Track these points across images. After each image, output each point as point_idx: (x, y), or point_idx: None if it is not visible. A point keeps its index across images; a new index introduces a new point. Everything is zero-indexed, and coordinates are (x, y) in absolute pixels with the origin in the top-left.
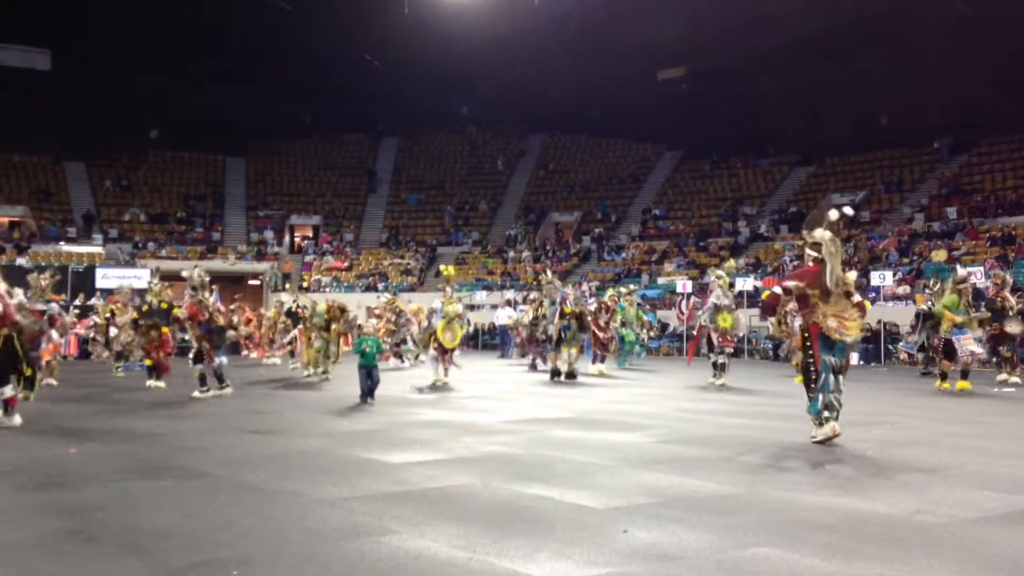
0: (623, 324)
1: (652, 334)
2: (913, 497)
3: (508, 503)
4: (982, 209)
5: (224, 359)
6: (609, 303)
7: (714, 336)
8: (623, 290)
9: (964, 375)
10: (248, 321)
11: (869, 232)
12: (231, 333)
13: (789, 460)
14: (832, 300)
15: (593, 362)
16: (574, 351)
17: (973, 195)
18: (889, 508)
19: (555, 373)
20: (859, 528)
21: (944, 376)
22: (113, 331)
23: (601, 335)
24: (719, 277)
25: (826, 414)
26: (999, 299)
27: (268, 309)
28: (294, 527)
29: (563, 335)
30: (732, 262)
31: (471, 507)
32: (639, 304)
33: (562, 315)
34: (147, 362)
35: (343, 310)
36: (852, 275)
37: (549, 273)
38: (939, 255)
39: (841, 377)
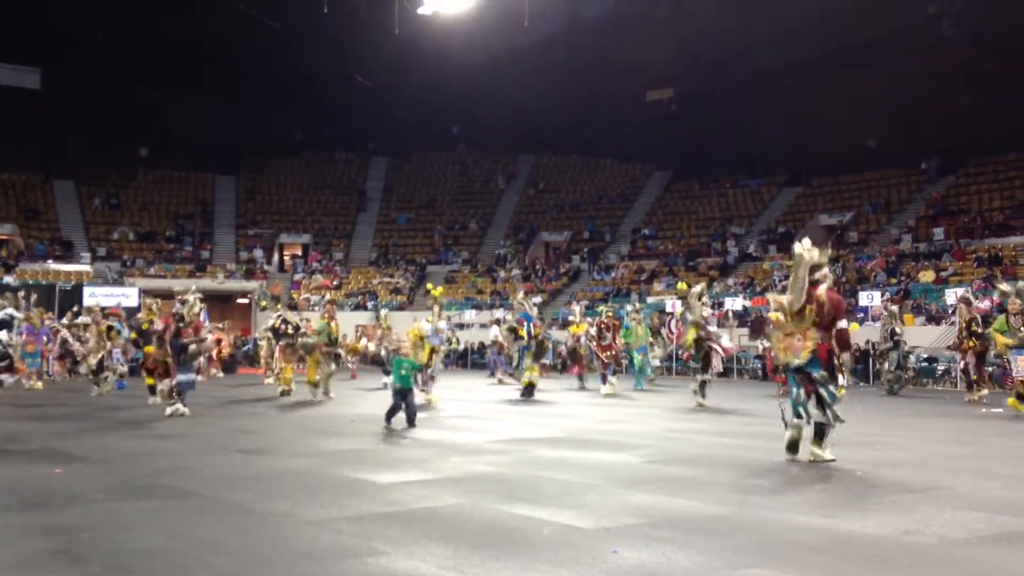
0: (627, 346)
1: (658, 352)
2: (902, 517)
3: (496, 523)
4: (969, 230)
5: (186, 378)
6: (605, 320)
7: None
8: (629, 308)
9: (1020, 397)
10: (216, 340)
11: (857, 252)
12: (192, 348)
13: (778, 480)
14: (800, 322)
15: (603, 382)
16: (535, 371)
17: (960, 216)
18: (878, 528)
19: (526, 392)
20: (848, 548)
21: (1021, 397)
22: (78, 348)
23: (604, 355)
24: (698, 296)
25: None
26: (972, 322)
27: (258, 327)
28: (282, 548)
29: (522, 356)
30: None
31: (459, 527)
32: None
33: (518, 337)
34: (148, 381)
35: (333, 302)
36: (847, 325)
37: (520, 294)
38: (927, 276)
39: (819, 398)
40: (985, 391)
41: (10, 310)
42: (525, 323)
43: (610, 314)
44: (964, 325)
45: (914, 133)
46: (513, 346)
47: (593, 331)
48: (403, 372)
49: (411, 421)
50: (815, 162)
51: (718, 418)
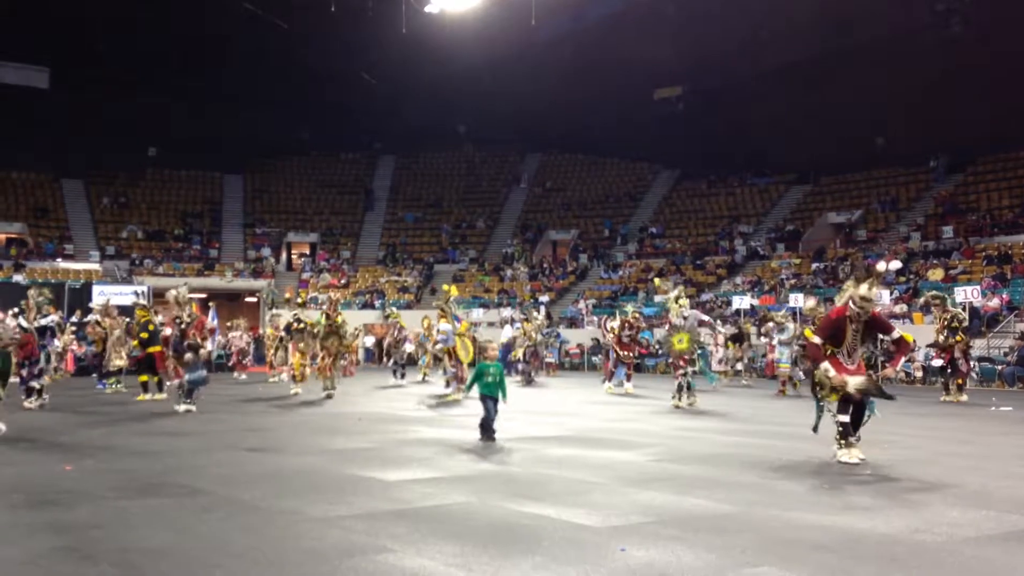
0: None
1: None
2: (911, 516)
3: (505, 521)
4: (978, 228)
5: (196, 376)
6: (632, 320)
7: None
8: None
9: None
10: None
11: (865, 251)
12: (194, 354)
13: (786, 479)
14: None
15: (627, 380)
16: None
17: (969, 214)
18: (887, 527)
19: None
20: (857, 547)
21: None
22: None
23: (623, 353)
24: (676, 299)
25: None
26: (953, 319)
27: (265, 327)
28: (290, 546)
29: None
30: (658, 281)
31: (468, 525)
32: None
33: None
34: (142, 378)
35: (332, 299)
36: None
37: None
38: (936, 274)
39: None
40: (965, 396)
41: (54, 317)
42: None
43: (637, 315)
44: (945, 324)
45: (922, 131)
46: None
47: (615, 324)
48: (489, 379)
49: (490, 427)
50: (823, 160)
51: (726, 417)
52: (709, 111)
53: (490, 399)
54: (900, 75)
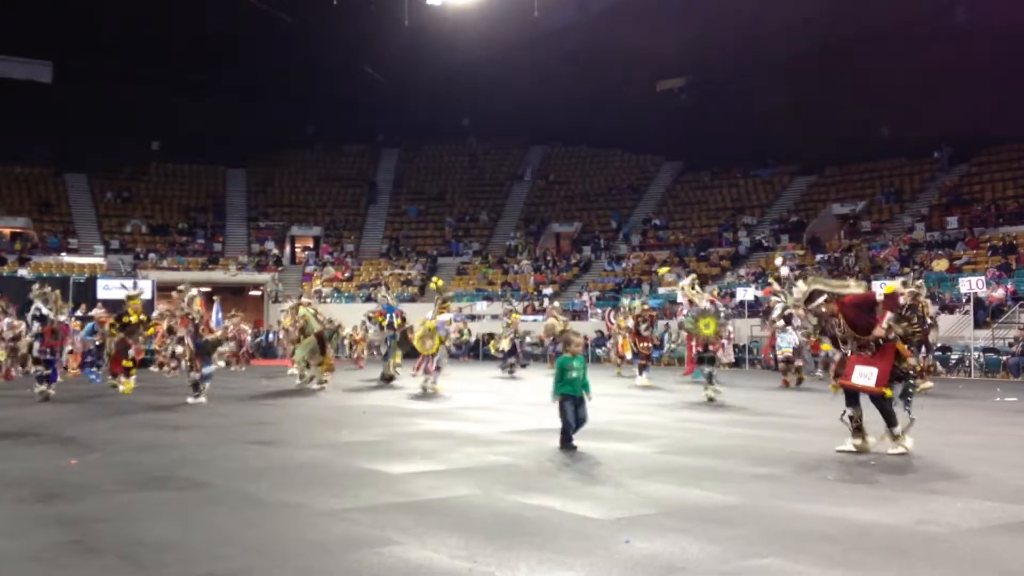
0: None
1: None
2: (916, 507)
3: (509, 514)
4: (983, 219)
5: (210, 370)
6: (642, 312)
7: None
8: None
9: None
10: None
11: (870, 242)
12: (223, 348)
13: (791, 470)
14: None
15: (640, 373)
16: (398, 359)
17: (973, 204)
18: (892, 518)
19: (385, 379)
20: (862, 538)
21: None
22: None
23: (641, 347)
24: (691, 286)
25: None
26: (921, 307)
27: (270, 319)
28: (295, 538)
29: (388, 345)
30: (662, 270)
31: (472, 518)
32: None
33: (381, 328)
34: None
35: (303, 296)
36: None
37: (384, 290)
38: (940, 264)
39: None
40: (930, 383)
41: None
42: (388, 315)
43: (647, 307)
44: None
45: (927, 121)
46: (380, 336)
47: (630, 323)
48: (573, 375)
49: (569, 435)
50: (827, 151)
51: (731, 409)
52: (712, 102)
53: (570, 400)
54: (904, 65)
